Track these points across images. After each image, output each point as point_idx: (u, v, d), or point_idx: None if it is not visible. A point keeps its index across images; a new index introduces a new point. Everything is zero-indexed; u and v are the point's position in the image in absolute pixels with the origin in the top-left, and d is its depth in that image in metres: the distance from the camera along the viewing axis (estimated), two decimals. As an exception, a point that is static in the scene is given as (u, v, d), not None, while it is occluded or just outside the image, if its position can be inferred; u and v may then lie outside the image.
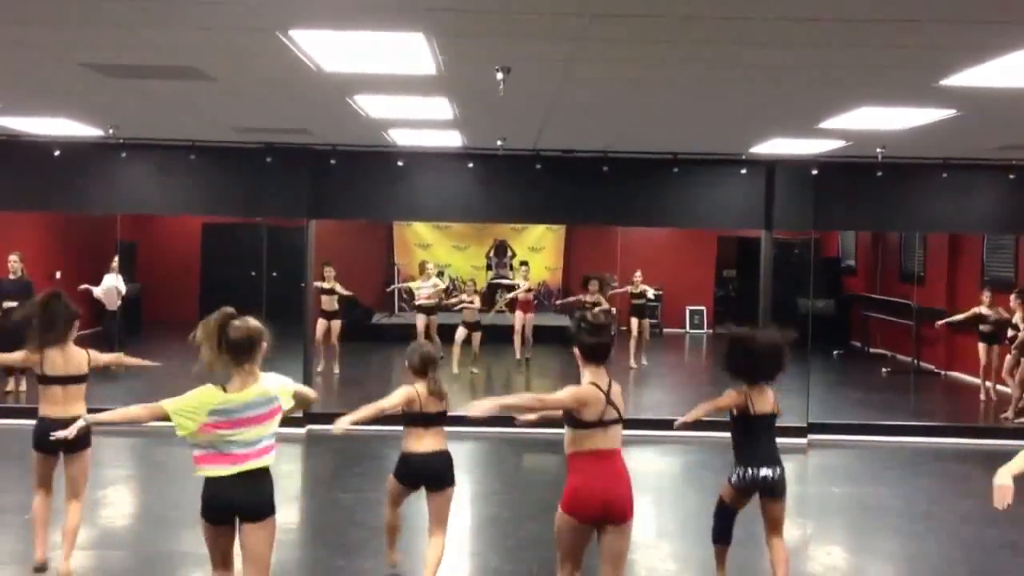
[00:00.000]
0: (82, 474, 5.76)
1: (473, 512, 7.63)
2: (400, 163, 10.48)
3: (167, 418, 4.17)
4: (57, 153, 10.10)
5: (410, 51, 5.31)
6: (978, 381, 12.48)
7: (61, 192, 10.55)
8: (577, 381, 4.60)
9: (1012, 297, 11.47)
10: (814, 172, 10.48)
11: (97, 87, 6.76)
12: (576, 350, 4.59)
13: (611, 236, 15.46)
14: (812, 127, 8.04)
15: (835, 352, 16.33)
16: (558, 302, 17.39)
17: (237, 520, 4.25)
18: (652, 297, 14.83)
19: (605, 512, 4.40)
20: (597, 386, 4.48)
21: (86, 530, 6.27)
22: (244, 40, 5.22)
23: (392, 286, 15.85)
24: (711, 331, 18.89)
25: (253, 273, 12.52)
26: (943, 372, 14.50)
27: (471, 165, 10.54)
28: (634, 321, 14.45)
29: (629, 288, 14.54)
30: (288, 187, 10.54)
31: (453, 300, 14.45)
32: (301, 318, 10.94)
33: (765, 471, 5.39)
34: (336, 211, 11.04)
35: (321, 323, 12.84)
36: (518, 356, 14.42)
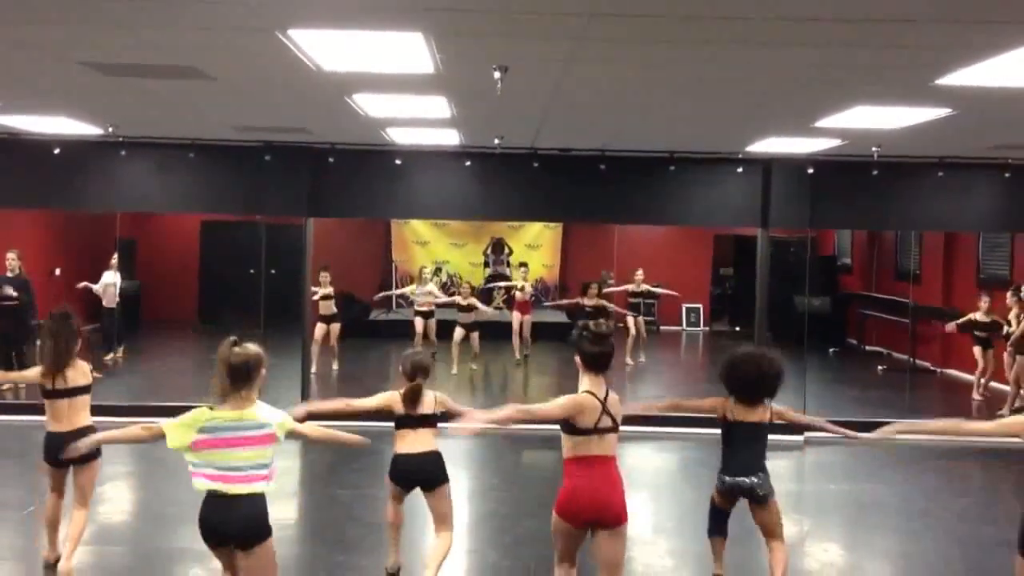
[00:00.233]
0: (90, 483, 5.87)
1: (471, 508, 7.66)
2: (398, 161, 10.51)
3: (163, 436, 4.25)
4: (57, 151, 10.12)
5: (408, 50, 5.33)
6: (972, 378, 12.55)
7: (61, 190, 10.57)
8: (575, 378, 4.65)
9: (1008, 295, 11.53)
10: (810, 171, 10.51)
11: (97, 86, 6.78)
12: (577, 358, 4.63)
13: (608, 234, 15.52)
14: (808, 126, 8.07)
15: (831, 350, 16.37)
16: (552, 303, 17.37)
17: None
18: (658, 292, 14.97)
19: (597, 516, 4.45)
20: (593, 394, 4.52)
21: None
22: (243, 40, 5.24)
23: (388, 292, 15.75)
24: (707, 329, 18.96)
25: (252, 271, 12.56)
26: (939, 370, 14.56)
27: (469, 163, 10.57)
28: (630, 319, 14.49)
29: (630, 287, 14.59)
30: (287, 185, 10.56)
31: (445, 300, 14.43)
32: (299, 316, 10.97)
33: (740, 479, 5.42)
34: (334, 209, 11.06)
35: (320, 327, 12.90)
36: (517, 356, 14.50)
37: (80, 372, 5.86)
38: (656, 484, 8.68)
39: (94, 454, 5.72)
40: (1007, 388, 11.66)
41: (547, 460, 8.94)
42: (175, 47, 5.53)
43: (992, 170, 10.54)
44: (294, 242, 10.98)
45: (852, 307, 17.37)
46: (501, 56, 5.53)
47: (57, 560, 5.78)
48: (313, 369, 12.63)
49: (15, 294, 11.01)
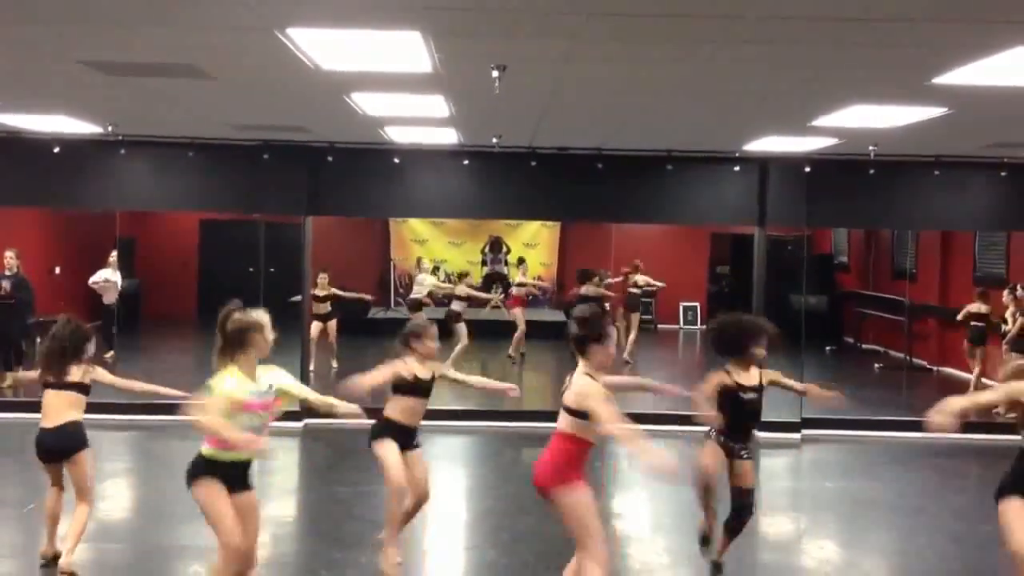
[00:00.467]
0: (83, 476, 5.77)
1: (469, 505, 7.69)
2: (396, 160, 10.52)
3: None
4: (56, 150, 10.12)
5: (407, 50, 5.36)
6: (970, 377, 12.57)
7: (60, 188, 10.57)
8: (569, 372, 4.91)
9: (1005, 293, 11.55)
10: (807, 169, 10.53)
11: (96, 85, 6.79)
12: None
13: (605, 233, 15.53)
14: (805, 125, 8.09)
15: (828, 348, 16.37)
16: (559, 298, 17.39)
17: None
18: (655, 286, 14.98)
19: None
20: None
21: (86, 523, 6.32)
22: (242, 39, 5.27)
23: (415, 295, 15.68)
24: (704, 327, 18.96)
25: (251, 269, 12.57)
26: (935, 368, 14.58)
27: (467, 162, 10.58)
28: (633, 316, 14.51)
29: (634, 277, 14.56)
30: (286, 184, 10.56)
31: (479, 295, 14.53)
32: (298, 315, 10.98)
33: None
34: (333, 208, 11.07)
35: (315, 325, 12.91)
36: (511, 352, 14.50)
37: (83, 371, 5.81)
38: (654, 483, 8.68)
39: (80, 446, 5.69)
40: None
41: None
42: (175, 46, 5.55)
43: (988, 169, 10.56)
44: (293, 241, 11.00)
45: (849, 305, 17.39)
46: (499, 55, 5.55)
47: (54, 556, 5.78)
48: (311, 367, 12.66)
49: (7, 286, 10.99)
